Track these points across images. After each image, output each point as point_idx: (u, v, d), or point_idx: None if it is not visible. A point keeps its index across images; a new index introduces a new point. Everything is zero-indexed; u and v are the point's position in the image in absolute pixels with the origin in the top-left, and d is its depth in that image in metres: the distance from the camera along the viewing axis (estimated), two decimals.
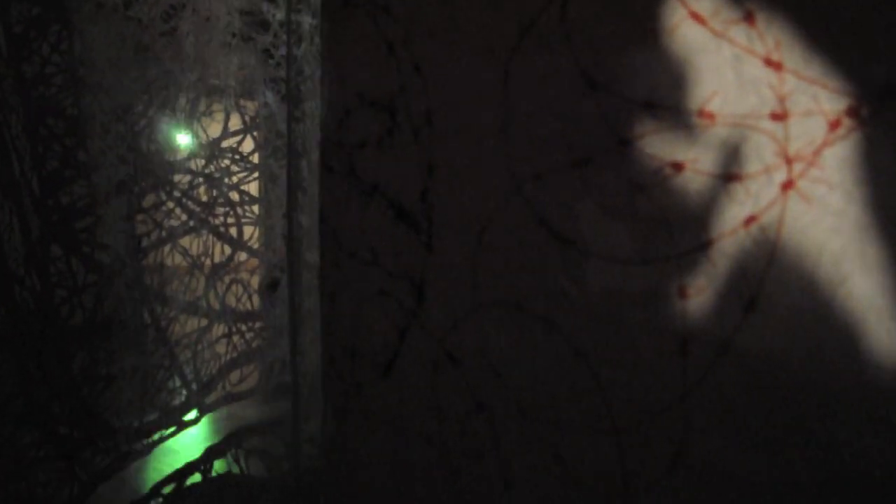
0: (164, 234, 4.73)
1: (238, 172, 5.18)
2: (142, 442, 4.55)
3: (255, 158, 5.41)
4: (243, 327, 5.24)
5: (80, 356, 4.17)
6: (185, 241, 4.89)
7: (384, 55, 1.74)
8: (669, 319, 1.31)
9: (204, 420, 4.95)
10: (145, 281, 4.55)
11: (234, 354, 5.17)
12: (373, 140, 1.80)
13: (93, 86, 4.25)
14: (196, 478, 4.57)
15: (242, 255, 5.30)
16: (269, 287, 5.47)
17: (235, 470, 4.59)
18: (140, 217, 4.57)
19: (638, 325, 1.34)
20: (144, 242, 4.61)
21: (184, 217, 4.84)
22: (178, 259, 4.86)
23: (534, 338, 1.46)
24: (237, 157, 5.16)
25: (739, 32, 1.22)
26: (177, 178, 4.81)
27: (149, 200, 4.67)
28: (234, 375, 5.24)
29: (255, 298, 5.39)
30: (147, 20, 4.60)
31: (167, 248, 4.77)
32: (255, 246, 5.40)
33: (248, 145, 5.40)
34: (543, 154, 1.41)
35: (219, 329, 5.11)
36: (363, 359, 1.87)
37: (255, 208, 5.29)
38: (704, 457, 1.30)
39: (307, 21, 4.93)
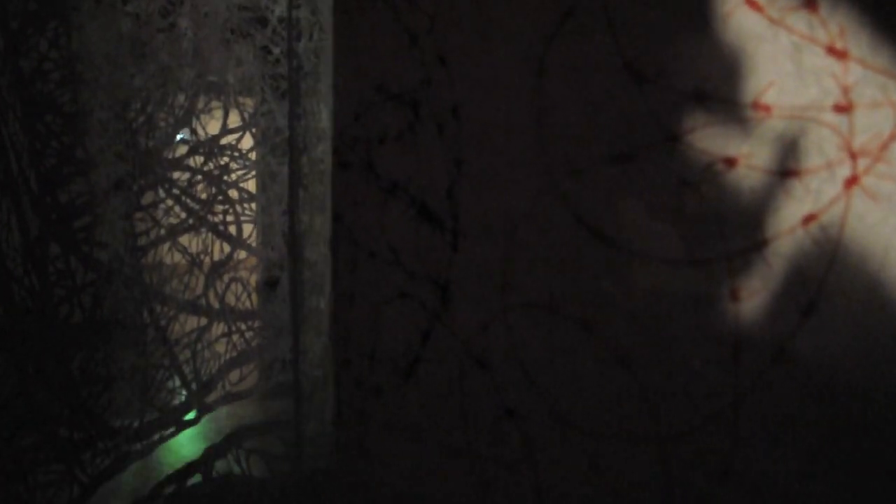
0: (162, 232, 4.63)
1: (237, 170, 5.08)
2: (142, 442, 4.44)
3: (254, 156, 5.32)
4: (243, 326, 5.14)
5: (79, 356, 4.07)
6: (184, 240, 4.78)
7: (406, 46, 1.65)
8: (720, 323, 1.22)
9: (203, 420, 4.85)
10: (144, 280, 4.44)
11: (234, 354, 5.07)
12: (393, 135, 1.71)
13: (90, 82, 4.14)
14: (197, 478, 4.48)
15: (242, 254, 5.20)
16: (268, 285, 5.37)
17: (237, 470, 4.49)
18: (139, 215, 4.46)
19: (685, 330, 1.25)
20: (143, 241, 4.51)
21: (183, 215, 4.74)
22: (178, 257, 4.75)
23: (570, 341, 1.38)
24: (236, 154, 5.05)
25: (799, 20, 1.13)
26: (175, 175, 4.71)
27: (147, 198, 4.57)
28: (234, 375, 5.15)
29: (255, 297, 5.29)
30: (145, 16, 4.49)
31: (166, 247, 4.66)
32: (254, 244, 5.30)
33: (246, 142, 5.30)
34: (582, 149, 1.33)
35: (218, 328, 5.00)
36: (382, 362, 1.78)
37: (254, 206, 5.19)
38: (755, 469, 1.22)
39: (306, 17, 4.84)
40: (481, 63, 1.47)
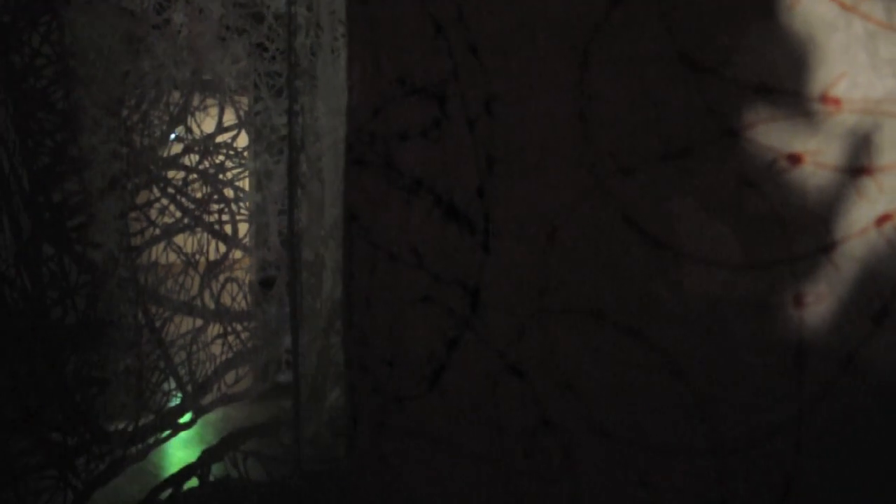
0: (157, 231, 4.51)
1: (232, 168, 4.97)
2: (137, 446, 4.33)
3: (248, 154, 5.21)
4: (238, 327, 5.04)
5: (73, 359, 3.95)
6: (179, 239, 4.67)
7: (431, 36, 1.56)
8: (783, 331, 1.14)
9: (199, 422, 4.74)
10: (139, 280, 4.33)
11: (230, 355, 4.97)
12: (417, 131, 1.61)
13: (84, 78, 4.02)
14: (193, 482, 4.37)
15: (237, 253, 5.09)
16: (264, 285, 5.27)
17: (234, 474, 4.38)
18: (133, 214, 4.35)
19: (744, 337, 1.17)
20: (138, 241, 4.39)
21: (178, 214, 4.62)
22: (173, 257, 4.64)
23: (616, 349, 1.29)
24: (231, 152, 4.94)
25: (875, 6, 1.05)
26: (170, 174, 4.59)
27: (142, 197, 4.45)
28: (230, 376, 5.04)
29: (250, 297, 5.18)
30: (139, 11, 4.37)
31: (161, 247, 4.55)
32: (249, 243, 5.19)
33: (242, 140, 5.19)
34: (632, 145, 1.24)
35: (214, 329, 4.90)
36: (404, 370, 1.69)
37: (250, 205, 5.08)
38: (821, 485, 1.14)
39: (303, 13, 4.73)
40: (518, 53, 1.38)
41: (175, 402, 4.60)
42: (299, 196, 4.68)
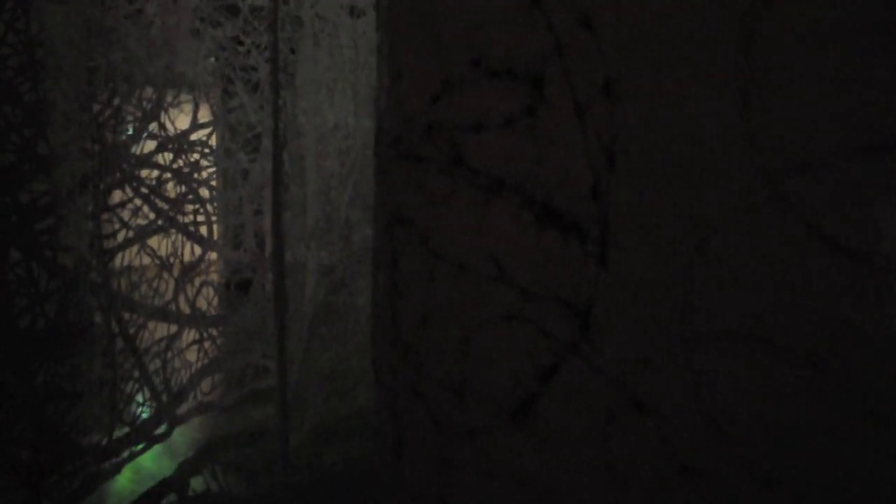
0: (130, 234, 4.13)
1: (207, 167, 4.60)
2: (111, 461, 3.95)
3: (220, 152, 4.84)
4: (214, 332, 4.67)
5: (43, 370, 3.55)
6: (153, 241, 4.29)
7: (525, 7, 1.27)
8: None
9: (175, 433, 4.37)
10: (112, 286, 3.94)
11: (206, 361, 4.60)
12: (497, 120, 1.32)
13: (52, 70, 3.62)
14: (172, 498, 4.00)
15: (213, 255, 4.72)
16: (240, 288, 4.90)
17: (214, 487, 4.03)
18: (105, 216, 3.96)
19: None
20: (110, 244, 4.00)
21: (152, 215, 4.24)
22: (146, 260, 4.26)
23: (789, 383, 1.02)
24: (206, 150, 4.57)
25: None
26: (144, 173, 4.21)
27: (114, 198, 4.07)
28: (205, 384, 4.67)
29: (226, 301, 4.81)
30: (111, 0, 3.98)
31: (134, 250, 4.16)
32: (222, 245, 4.82)
33: (216, 138, 4.82)
34: (816, 138, 0.97)
35: (189, 335, 4.52)
36: (478, 400, 1.40)
37: (217, 205, 4.71)
38: None
39: (280, 7, 4.38)
40: (651, 27, 1.10)
41: (150, 412, 4.22)
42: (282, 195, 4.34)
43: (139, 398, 4.14)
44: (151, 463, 4.20)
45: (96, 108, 3.89)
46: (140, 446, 4.11)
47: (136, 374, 4.09)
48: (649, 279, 1.12)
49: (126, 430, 4.06)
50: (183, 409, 4.43)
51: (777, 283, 1.01)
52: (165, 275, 4.30)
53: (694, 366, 1.10)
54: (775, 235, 1.01)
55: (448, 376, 1.44)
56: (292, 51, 4.55)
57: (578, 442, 1.24)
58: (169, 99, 4.27)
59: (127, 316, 4.06)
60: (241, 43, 4.72)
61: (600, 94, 1.16)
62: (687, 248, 1.08)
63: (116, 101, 3.97)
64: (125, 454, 4.02)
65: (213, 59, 4.63)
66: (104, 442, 3.88)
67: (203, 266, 4.54)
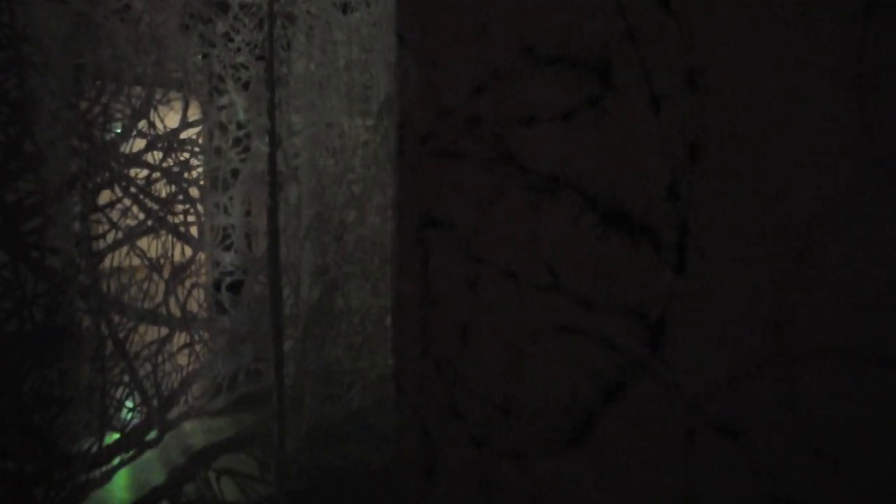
0: (120, 234, 3.94)
1: (198, 167, 4.41)
2: (101, 469, 3.76)
3: (211, 151, 4.65)
4: (205, 335, 4.49)
5: (30, 376, 3.36)
6: (142, 243, 4.10)
7: None
8: None
9: (166, 439, 4.18)
10: (101, 288, 3.75)
11: (197, 365, 4.41)
12: (553, 113, 1.18)
13: (39, 66, 3.43)
14: None
15: (203, 256, 4.53)
16: (230, 290, 4.72)
17: (208, 494, 3.86)
18: (94, 216, 3.77)
19: None
20: (99, 245, 3.81)
21: (141, 216, 4.05)
22: (136, 262, 4.07)
23: None
24: (197, 149, 4.38)
25: None
26: (133, 172, 4.02)
27: (103, 197, 3.87)
28: (196, 388, 4.49)
29: (217, 303, 4.63)
30: None
31: (124, 251, 3.97)
32: (212, 245, 4.64)
33: (204, 137, 4.63)
34: None
35: (180, 338, 4.34)
36: (530, 420, 1.25)
37: (218, 205, 4.53)
38: None
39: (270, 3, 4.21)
40: (748, 13, 0.96)
41: (140, 418, 4.03)
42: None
43: (129, 403, 3.95)
44: (142, 471, 4.01)
45: (84, 105, 3.70)
46: (130, 453, 3.93)
47: (127, 378, 3.90)
48: (737, 289, 0.98)
49: (116, 436, 3.87)
50: (173, 413, 4.25)
51: (888, 292, 0.87)
52: (155, 277, 4.11)
53: (790, 386, 0.96)
54: (888, 236, 0.87)
55: (492, 393, 1.29)
56: (284, 48, 4.38)
57: (649, 469, 1.10)
58: (158, 96, 4.09)
59: (116, 319, 3.88)
60: (231, 40, 4.54)
61: (682, 84, 1.02)
62: (782, 253, 0.94)
63: (105, 99, 3.78)
64: (115, 462, 3.84)
65: (202, 57, 4.44)
66: (94, 449, 3.69)
67: (194, 267, 4.35)
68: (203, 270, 4.50)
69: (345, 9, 4.44)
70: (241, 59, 4.53)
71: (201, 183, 4.47)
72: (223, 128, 4.45)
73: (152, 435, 4.07)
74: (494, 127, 1.23)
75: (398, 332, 1.63)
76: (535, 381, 1.21)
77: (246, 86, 4.61)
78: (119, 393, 3.87)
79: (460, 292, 1.29)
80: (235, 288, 4.75)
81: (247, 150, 4.65)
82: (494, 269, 1.23)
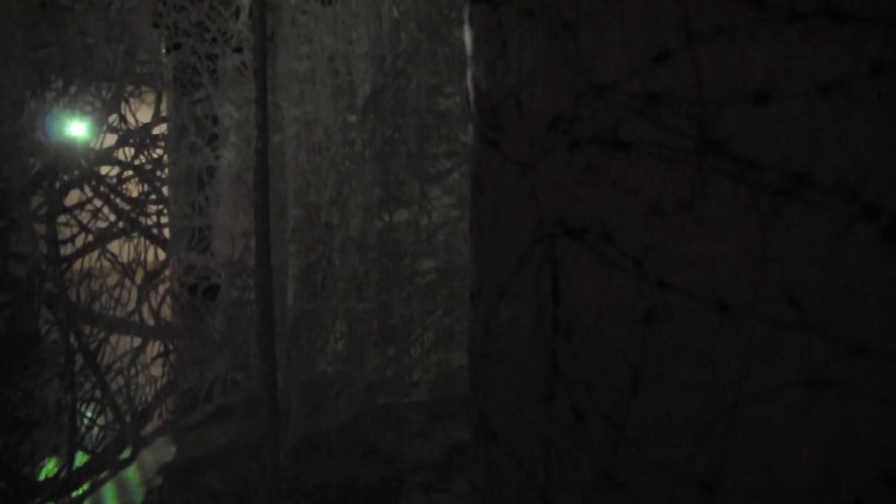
0: (90, 238, 3.45)
1: (171, 164, 3.94)
2: (70, 495, 3.27)
3: (184, 148, 4.17)
4: (181, 344, 4.02)
5: None
6: (113, 246, 3.62)
7: None
8: None
9: (140, 457, 3.71)
10: (70, 297, 3.27)
11: (172, 376, 3.94)
12: (799, 87, 0.82)
13: (0, 53, 2.94)
14: None
15: (177, 260, 4.06)
16: (207, 295, 4.26)
17: None
18: (62, 218, 3.28)
19: None
20: (68, 249, 3.33)
21: (112, 217, 3.57)
22: (107, 267, 3.58)
23: None
24: (171, 145, 3.92)
25: None
26: (104, 170, 3.53)
27: (72, 197, 3.39)
28: (171, 401, 4.01)
29: (191, 310, 4.16)
30: None
31: (94, 255, 3.49)
32: (190, 248, 4.16)
33: (174, 132, 4.15)
34: None
35: (153, 348, 3.86)
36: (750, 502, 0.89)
37: (193, 205, 4.06)
38: None
39: None
40: None
41: (112, 436, 3.55)
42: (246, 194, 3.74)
43: (100, 421, 3.47)
44: (115, 494, 3.53)
45: (50, 96, 3.21)
46: (103, 475, 3.45)
47: (98, 394, 3.42)
48: None
49: (86, 459, 3.39)
50: (148, 429, 3.77)
51: None
52: (128, 282, 3.64)
53: None
54: None
55: (685, 465, 0.92)
56: (268, 38, 3.93)
57: None
58: (130, 88, 3.61)
59: (87, 330, 3.39)
60: (206, 30, 4.07)
61: None
62: None
63: (73, 89, 3.29)
64: (86, 486, 3.36)
65: (175, 47, 3.97)
66: (63, 474, 3.21)
67: (168, 272, 3.88)
68: (177, 275, 4.03)
69: None
70: (216, 49, 4.07)
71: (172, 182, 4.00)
72: (199, 123, 3.99)
73: (126, 454, 3.59)
74: (690, 107, 0.86)
75: (490, 372, 1.26)
76: (761, 452, 0.85)
77: (222, 78, 4.15)
78: (90, 411, 3.39)
79: (626, 326, 0.92)
80: (211, 293, 4.28)
81: (223, 146, 4.20)
82: (688, 297, 0.87)
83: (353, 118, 4.04)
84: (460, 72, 4.35)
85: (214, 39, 4.12)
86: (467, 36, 1.54)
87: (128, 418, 3.63)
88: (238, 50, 4.20)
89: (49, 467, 3.22)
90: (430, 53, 4.30)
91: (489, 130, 1.32)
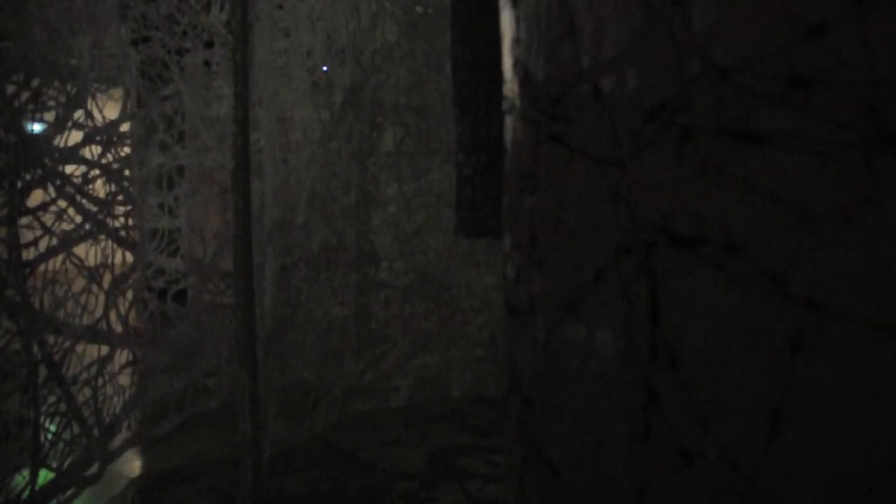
0: (54, 241, 3.17)
1: (139, 163, 3.67)
2: None
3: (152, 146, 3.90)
4: (150, 351, 3.74)
5: None
6: (79, 250, 3.34)
7: None
8: None
9: (109, 472, 3.43)
10: (33, 304, 2.99)
11: (141, 386, 3.67)
12: None
13: None
14: None
15: (146, 263, 3.78)
16: (177, 299, 3.99)
17: None
18: (24, 220, 3.00)
19: None
20: (30, 254, 3.04)
21: (78, 219, 3.29)
22: (72, 272, 3.30)
23: None
24: (135, 143, 3.64)
25: None
26: (69, 169, 3.25)
27: (35, 198, 3.10)
28: (140, 411, 3.73)
29: (163, 314, 3.89)
30: None
31: (59, 260, 3.21)
32: (158, 250, 3.89)
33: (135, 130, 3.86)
34: None
35: (122, 356, 3.58)
36: None
37: (162, 206, 3.79)
38: None
39: None
40: None
41: (79, 451, 3.27)
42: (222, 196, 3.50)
43: (66, 436, 3.18)
44: None
45: (11, 90, 2.92)
46: (68, 493, 3.16)
47: (63, 408, 3.13)
48: None
49: (52, 477, 3.10)
50: (116, 442, 3.49)
51: None
52: (94, 288, 3.36)
53: None
54: None
55: None
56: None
57: None
58: (97, 83, 3.33)
59: (51, 340, 3.11)
60: (176, 22, 3.80)
61: None
62: None
63: (35, 83, 3.01)
64: None
65: (143, 41, 3.70)
66: (26, 495, 2.92)
67: (136, 276, 3.60)
68: (146, 280, 3.75)
69: None
70: (187, 43, 3.80)
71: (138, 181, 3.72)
72: (169, 120, 3.72)
73: (93, 469, 3.31)
74: (855, 91, 0.68)
75: (548, 398, 1.07)
76: None
77: (193, 73, 3.89)
78: (54, 426, 3.10)
79: (761, 354, 0.74)
80: (181, 297, 4.02)
81: (192, 144, 3.93)
82: (848, 320, 0.69)
83: (330, 115, 3.81)
84: (438, 69, 4.16)
85: (185, 33, 3.86)
86: (507, 17, 1.35)
87: (95, 432, 3.35)
88: (209, 45, 3.95)
89: (10, 487, 2.93)
90: (408, 50, 4.09)
91: (550, 123, 1.12)
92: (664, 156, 0.89)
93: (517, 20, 1.27)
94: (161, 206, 3.82)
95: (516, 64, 1.28)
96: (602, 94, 1.00)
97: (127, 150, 3.53)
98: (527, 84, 1.23)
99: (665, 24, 0.89)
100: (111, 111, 3.49)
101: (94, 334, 3.40)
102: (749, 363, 0.81)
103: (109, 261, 3.47)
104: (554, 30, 1.11)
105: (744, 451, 0.82)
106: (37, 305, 3.03)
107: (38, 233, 3.09)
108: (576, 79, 1.06)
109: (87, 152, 3.34)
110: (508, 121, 1.33)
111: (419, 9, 4.14)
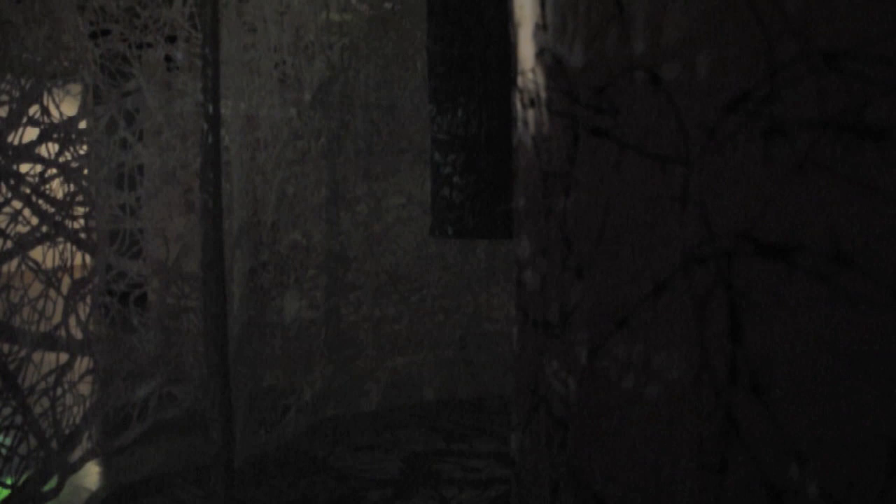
0: (9, 244, 2.94)
1: (97, 161, 3.44)
2: None
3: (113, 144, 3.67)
4: (111, 358, 3.52)
5: None
6: (36, 253, 3.11)
7: None
8: None
9: (67, 486, 3.21)
10: None
11: (102, 394, 3.44)
12: None
13: None
14: None
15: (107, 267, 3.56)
16: (139, 304, 3.77)
17: None
18: None
19: None
20: None
21: (35, 220, 3.06)
22: (28, 277, 3.07)
23: None
24: (93, 141, 3.42)
25: None
26: (24, 168, 3.02)
27: None
28: (102, 420, 3.51)
29: (124, 319, 3.67)
30: None
31: (14, 264, 2.98)
32: (121, 252, 3.67)
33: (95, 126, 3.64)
34: None
35: (82, 364, 3.36)
36: None
37: (124, 207, 3.57)
38: None
39: None
40: None
41: (37, 466, 3.05)
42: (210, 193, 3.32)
43: (22, 450, 2.96)
44: None
45: None
46: None
47: (19, 420, 2.91)
48: None
49: (6, 494, 2.88)
50: (76, 455, 3.27)
51: None
52: (52, 293, 3.13)
53: None
54: None
55: None
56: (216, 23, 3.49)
57: None
58: (53, 78, 3.11)
59: (5, 348, 2.89)
60: (136, 16, 3.58)
61: None
62: None
63: None
64: None
65: (102, 34, 3.48)
66: None
67: (96, 280, 3.38)
68: (107, 283, 3.53)
69: None
70: (148, 37, 3.59)
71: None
72: (129, 117, 3.50)
73: (52, 484, 3.09)
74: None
75: (593, 421, 0.96)
76: None
77: (155, 69, 3.68)
78: (9, 440, 2.88)
79: (880, 380, 0.63)
80: (143, 301, 3.80)
81: (155, 141, 3.72)
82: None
83: (298, 113, 3.64)
84: (407, 66, 4.02)
85: (146, 27, 3.64)
86: (528, 1, 1.22)
87: (53, 444, 3.13)
88: (172, 39, 3.73)
89: None
90: (377, 46, 3.94)
91: (592, 116, 1.00)
92: (747, 153, 0.77)
93: (542, 4, 1.14)
94: (122, 207, 3.59)
95: (541, 52, 1.15)
96: (662, 84, 0.88)
97: (86, 147, 3.30)
98: (557, 74, 1.10)
99: (747, 2, 0.77)
100: (69, 107, 3.27)
101: (52, 341, 3.17)
102: (860, 390, 0.70)
103: (68, 264, 3.25)
104: (596, 12, 0.99)
105: (855, 489, 0.71)
106: None
107: None
108: (625, 66, 0.94)
109: (44, 150, 3.11)
110: (529, 115, 1.20)
111: (388, 5, 4.00)
